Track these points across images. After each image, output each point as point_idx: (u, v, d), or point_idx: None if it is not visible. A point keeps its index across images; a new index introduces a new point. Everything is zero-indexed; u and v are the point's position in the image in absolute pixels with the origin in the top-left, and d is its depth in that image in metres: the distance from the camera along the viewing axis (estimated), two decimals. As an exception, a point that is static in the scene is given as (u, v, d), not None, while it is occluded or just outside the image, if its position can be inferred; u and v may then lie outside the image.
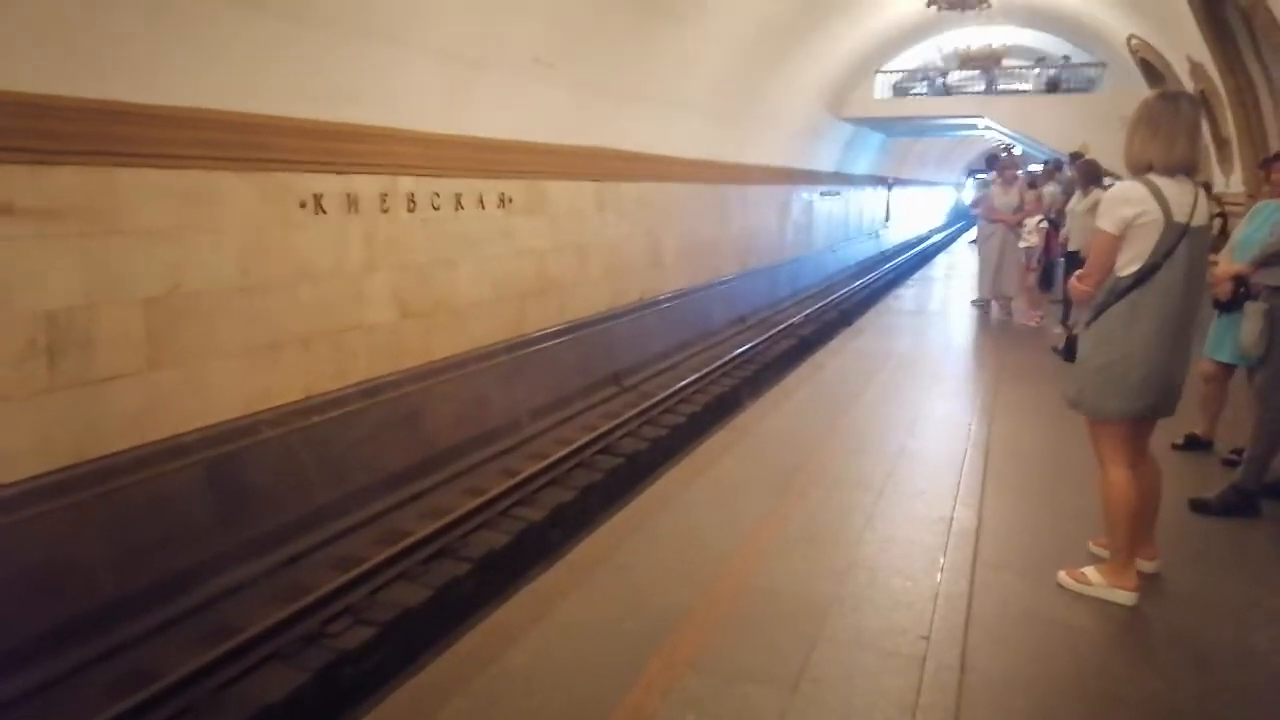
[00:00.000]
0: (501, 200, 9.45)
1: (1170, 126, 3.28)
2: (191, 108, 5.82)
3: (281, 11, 6.25)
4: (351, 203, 7.39)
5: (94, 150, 5.35)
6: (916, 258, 28.92)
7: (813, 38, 15.92)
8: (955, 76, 23.54)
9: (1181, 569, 3.85)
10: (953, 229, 41.95)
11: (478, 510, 6.89)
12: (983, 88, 22.77)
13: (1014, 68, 23.59)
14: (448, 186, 8.56)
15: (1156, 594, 3.63)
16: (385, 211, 7.79)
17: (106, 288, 5.52)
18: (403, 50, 7.47)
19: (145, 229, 5.73)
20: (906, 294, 14.42)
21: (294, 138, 6.65)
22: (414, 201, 8.12)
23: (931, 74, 23.63)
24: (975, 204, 12.94)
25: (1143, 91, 14.83)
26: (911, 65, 23.41)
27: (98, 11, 5.14)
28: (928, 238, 38.44)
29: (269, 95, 6.38)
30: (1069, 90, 21.50)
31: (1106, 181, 9.33)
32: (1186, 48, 11.64)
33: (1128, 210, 3.28)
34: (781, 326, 15.64)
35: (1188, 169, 3.32)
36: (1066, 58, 22.17)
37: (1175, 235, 3.24)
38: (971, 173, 45.63)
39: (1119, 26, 14.82)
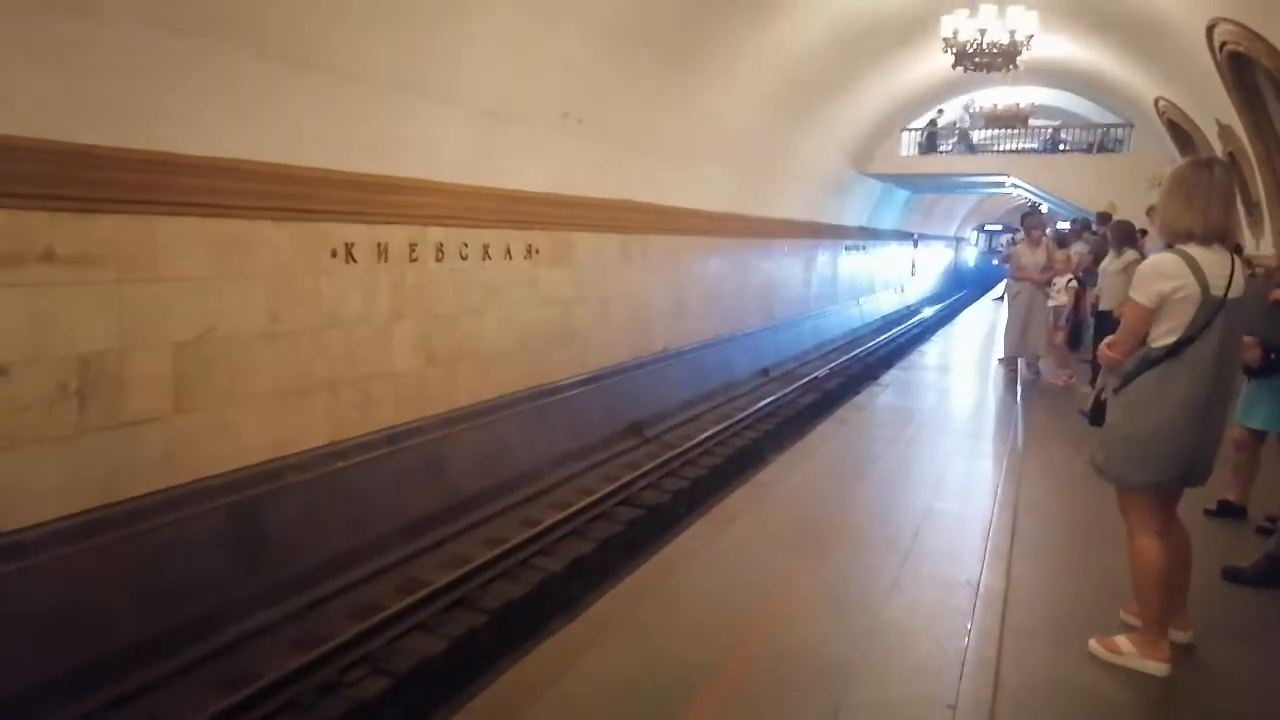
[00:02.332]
0: (529, 251, 9.56)
1: (1205, 194, 3.25)
2: (230, 158, 5.96)
3: (325, 67, 6.42)
4: (381, 251, 7.50)
5: (134, 199, 5.47)
6: (942, 313, 28.79)
7: (839, 96, 16.09)
8: (981, 135, 23.64)
9: (1215, 640, 3.75)
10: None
11: (497, 560, 6.86)
12: (1009, 146, 22.87)
13: (1038, 127, 23.69)
14: (476, 237, 8.68)
15: (1190, 666, 3.54)
16: (414, 260, 7.89)
17: (140, 333, 5.61)
18: (437, 105, 7.63)
19: (181, 276, 5.84)
20: (932, 349, 14.36)
21: (330, 188, 6.78)
22: (442, 251, 8.23)
23: (956, 130, 23.74)
24: (1005, 259, 12.87)
25: (1169, 152, 14.87)
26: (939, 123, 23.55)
27: (136, 66, 5.29)
28: (949, 295, 37.76)
29: (308, 147, 6.52)
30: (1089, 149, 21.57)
31: (1147, 249, 9.24)
32: (1215, 110, 11.65)
33: (1164, 285, 3.23)
34: (805, 380, 15.58)
35: (1223, 237, 3.28)
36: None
37: (1212, 309, 3.20)
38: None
39: (1147, 88, 14.87)
